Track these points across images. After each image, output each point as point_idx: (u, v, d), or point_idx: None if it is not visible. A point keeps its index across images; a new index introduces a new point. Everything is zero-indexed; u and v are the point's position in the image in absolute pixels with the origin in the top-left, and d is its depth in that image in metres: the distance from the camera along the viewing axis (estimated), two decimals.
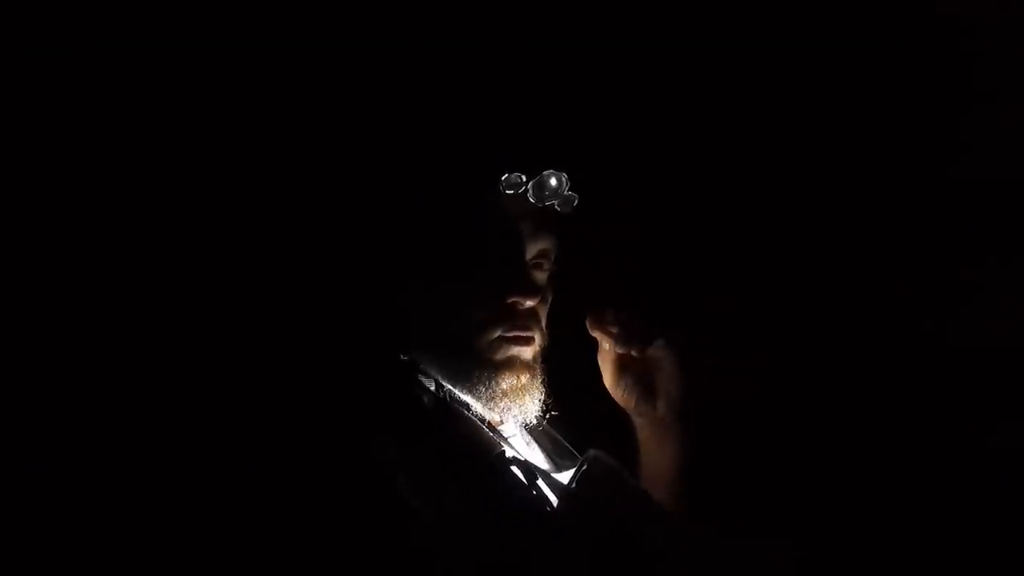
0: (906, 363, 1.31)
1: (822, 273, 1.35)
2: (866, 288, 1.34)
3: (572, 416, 1.11)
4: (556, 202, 1.04)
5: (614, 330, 1.07)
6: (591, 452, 1.03)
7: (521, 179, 1.02)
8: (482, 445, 1.01)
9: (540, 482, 0.99)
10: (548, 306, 1.09)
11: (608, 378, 1.11)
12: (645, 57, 1.27)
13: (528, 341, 1.04)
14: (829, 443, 1.25)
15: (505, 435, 1.06)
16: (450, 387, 1.04)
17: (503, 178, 1.02)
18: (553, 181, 1.02)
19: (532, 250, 1.05)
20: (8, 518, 1.10)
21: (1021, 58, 1.30)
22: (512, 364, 1.03)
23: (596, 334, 1.09)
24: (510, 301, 1.03)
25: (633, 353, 1.07)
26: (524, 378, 1.04)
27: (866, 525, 1.20)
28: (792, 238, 1.33)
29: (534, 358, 1.06)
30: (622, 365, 1.10)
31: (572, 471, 1.01)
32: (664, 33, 1.28)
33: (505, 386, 1.03)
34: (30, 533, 1.10)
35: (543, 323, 1.08)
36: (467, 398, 1.04)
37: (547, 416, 1.08)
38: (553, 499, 0.99)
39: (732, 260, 1.32)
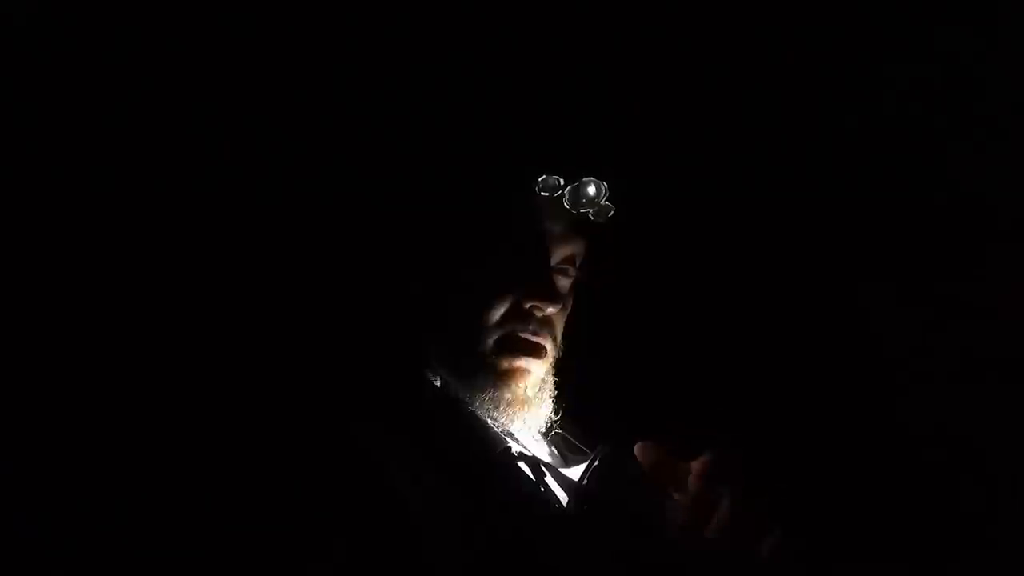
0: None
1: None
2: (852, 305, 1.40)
3: (584, 417, 1.11)
4: (591, 211, 1.04)
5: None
6: (603, 448, 1.03)
7: (559, 182, 1.02)
8: (486, 441, 1.00)
9: (548, 479, 0.98)
10: (567, 315, 1.08)
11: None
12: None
13: (538, 350, 1.03)
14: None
15: (512, 431, 1.04)
16: (457, 385, 1.03)
17: (540, 179, 1.02)
18: (591, 189, 1.02)
19: (558, 255, 1.05)
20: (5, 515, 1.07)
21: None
22: (517, 375, 1.02)
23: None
24: (528, 306, 1.02)
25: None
26: (531, 391, 1.03)
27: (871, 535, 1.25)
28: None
29: (544, 370, 1.05)
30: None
31: (583, 467, 1.01)
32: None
33: (509, 396, 1.02)
34: (24, 529, 1.07)
35: (559, 334, 1.07)
36: (473, 398, 1.02)
37: (554, 429, 1.07)
38: (562, 495, 0.98)
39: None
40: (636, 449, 0.93)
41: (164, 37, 1.22)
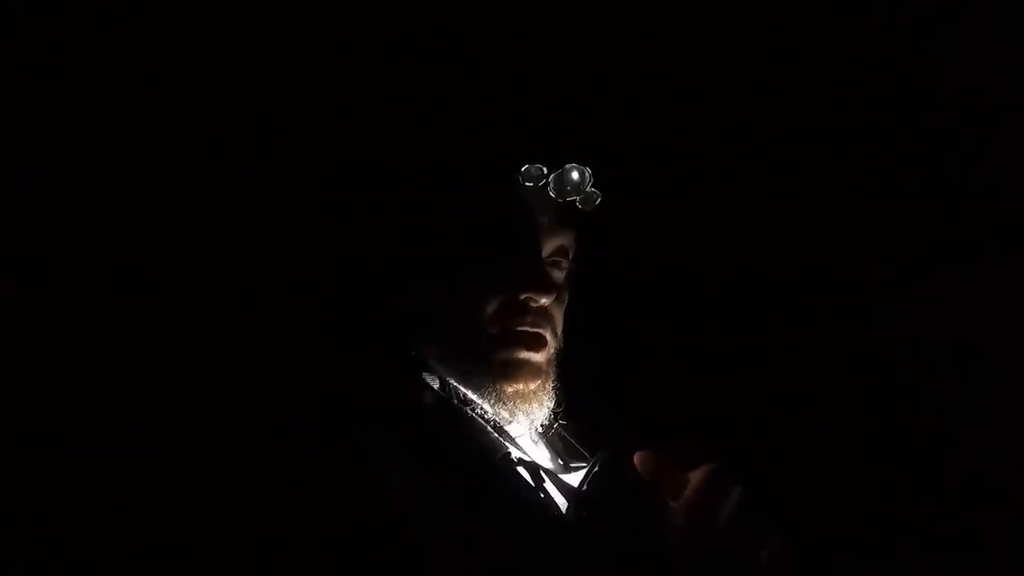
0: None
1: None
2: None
3: (584, 420, 1.09)
4: (577, 198, 1.01)
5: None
6: (603, 453, 1.00)
7: (542, 171, 1.00)
8: (485, 446, 0.98)
9: (548, 484, 0.96)
10: (564, 307, 1.05)
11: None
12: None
13: (538, 341, 1.00)
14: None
15: (512, 435, 1.02)
16: (456, 385, 1.01)
17: (523, 169, 0.99)
18: (575, 175, 0.99)
19: (550, 246, 1.02)
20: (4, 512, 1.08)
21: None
22: (519, 368, 0.99)
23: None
24: (523, 297, 0.99)
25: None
26: (532, 384, 1.01)
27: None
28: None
29: (545, 362, 1.02)
30: None
31: (582, 472, 0.98)
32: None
33: (511, 391, 0.99)
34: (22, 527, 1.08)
35: (558, 326, 1.04)
36: (474, 397, 1.00)
37: (556, 423, 1.05)
38: (562, 502, 0.96)
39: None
40: (635, 458, 0.90)
41: (160, 36, 1.22)
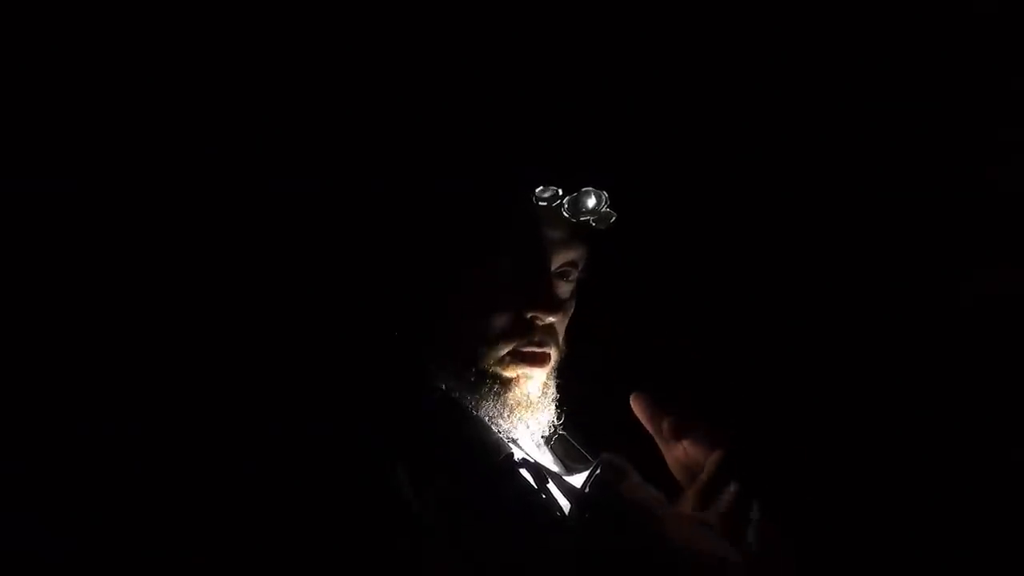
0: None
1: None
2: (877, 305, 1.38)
3: (586, 424, 1.12)
4: (592, 219, 1.02)
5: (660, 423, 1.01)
6: (605, 455, 1.04)
7: (557, 192, 1.00)
8: (489, 446, 1.01)
9: (551, 486, 0.99)
10: (569, 316, 1.07)
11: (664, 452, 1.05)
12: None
13: (542, 359, 1.04)
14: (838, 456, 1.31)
15: (515, 437, 1.05)
16: (460, 392, 1.03)
17: (537, 190, 1.00)
18: (591, 202, 1.00)
19: (559, 261, 1.04)
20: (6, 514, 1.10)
21: None
22: (520, 381, 1.03)
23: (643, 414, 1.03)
24: (529, 316, 1.02)
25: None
26: (534, 396, 1.04)
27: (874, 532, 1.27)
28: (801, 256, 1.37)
29: (548, 375, 1.05)
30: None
31: (585, 475, 1.02)
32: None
33: (513, 401, 1.03)
34: (32, 530, 1.10)
35: (561, 337, 1.06)
36: (477, 405, 1.03)
37: (557, 433, 1.08)
38: (564, 503, 0.99)
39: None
40: (632, 400, 0.99)
41: (164, 37, 1.20)
